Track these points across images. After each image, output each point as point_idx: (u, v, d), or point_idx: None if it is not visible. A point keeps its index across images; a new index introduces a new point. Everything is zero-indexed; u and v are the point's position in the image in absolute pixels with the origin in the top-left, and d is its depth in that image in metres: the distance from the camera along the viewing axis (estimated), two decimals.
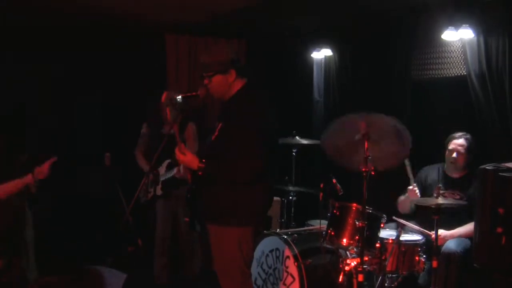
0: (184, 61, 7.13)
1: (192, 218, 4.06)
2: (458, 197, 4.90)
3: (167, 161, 5.56)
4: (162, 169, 5.62)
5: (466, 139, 4.99)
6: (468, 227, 4.74)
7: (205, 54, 4.02)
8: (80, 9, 5.87)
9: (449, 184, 4.99)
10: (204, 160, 3.78)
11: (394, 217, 4.85)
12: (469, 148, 4.97)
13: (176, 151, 3.86)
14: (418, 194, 4.95)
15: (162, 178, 5.60)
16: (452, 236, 4.79)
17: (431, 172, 5.17)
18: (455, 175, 5.06)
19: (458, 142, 5.00)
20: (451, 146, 5.02)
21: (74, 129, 6.81)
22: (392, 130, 4.06)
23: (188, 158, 3.83)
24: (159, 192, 5.65)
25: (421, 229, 4.83)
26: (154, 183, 5.63)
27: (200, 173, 3.78)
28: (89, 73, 6.75)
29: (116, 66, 6.81)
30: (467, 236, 4.75)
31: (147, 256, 5.92)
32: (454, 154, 4.99)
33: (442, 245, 4.69)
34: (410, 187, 4.96)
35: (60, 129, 6.68)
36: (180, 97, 3.87)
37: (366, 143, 4.04)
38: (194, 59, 7.10)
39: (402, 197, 5.18)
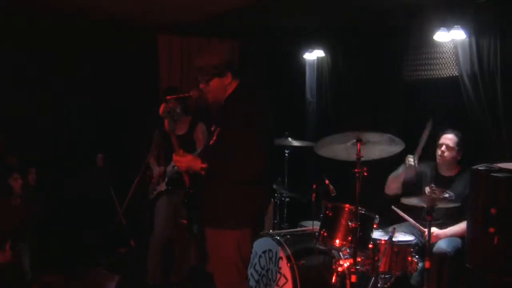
0: (177, 61, 7.12)
1: (190, 221, 4.05)
2: (447, 195, 4.91)
3: None
4: (169, 167, 5.63)
5: (456, 134, 5.01)
6: (461, 226, 4.75)
7: (199, 57, 3.99)
8: (73, 9, 5.86)
9: (440, 182, 5.00)
10: (206, 163, 3.76)
11: (393, 207, 4.87)
12: (458, 144, 4.98)
13: (174, 157, 3.86)
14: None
15: (169, 174, 5.60)
16: (445, 235, 4.81)
17: (424, 169, 5.19)
18: (446, 173, 5.08)
19: (447, 136, 5.03)
20: (441, 141, 5.06)
21: (66, 130, 6.80)
22: (385, 139, 4.19)
23: (188, 158, 3.82)
24: (163, 187, 5.65)
25: (416, 223, 4.85)
26: (161, 180, 5.65)
27: (203, 172, 3.76)
28: (82, 73, 6.73)
29: (110, 66, 6.81)
30: (460, 234, 4.75)
31: (140, 257, 5.91)
32: (443, 148, 5.02)
33: (435, 244, 4.71)
34: (411, 162, 4.97)
35: (52, 129, 6.67)
36: (179, 109, 3.89)
37: (358, 145, 4.08)
38: (187, 60, 7.10)
39: (394, 175, 5.18)
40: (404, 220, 4.98)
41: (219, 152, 3.79)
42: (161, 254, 5.75)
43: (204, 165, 3.73)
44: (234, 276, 3.83)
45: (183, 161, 3.83)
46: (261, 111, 3.83)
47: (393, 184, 5.18)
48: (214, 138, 3.88)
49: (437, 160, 5.10)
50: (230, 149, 3.69)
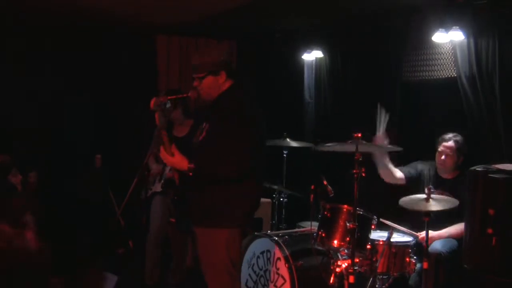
0: (175, 61, 7.13)
1: (179, 219, 4.04)
2: (446, 197, 4.89)
3: None
4: (167, 168, 5.63)
5: (455, 141, 4.94)
6: (457, 227, 4.74)
7: (195, 55, 4.01)
8: (72, 9, 5.86)
9: (439, 184, 4.99)
10: (193, 161, 3.75)
11: (382, 219, 4.85)
12: (458, 150, 4.93)
13: (162, 152, 3.83)
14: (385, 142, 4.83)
15: (165, 176, 5.61)
16: (440, 237, 4.80)
17: (425, 169, 5.17)
18: (446, 175, 5.06)
19: (447, 144, 4.96)
20: (440, 148, 5.00)
21: (64, 130, 6.79)
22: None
23: (177, 158, 3.79)
24: (158, 188, 5.65)
25: (409, 230, 4.84)
26: (157, 179, 5.64)
27: (190, 173, 3.76)
28: (80, 74, 6.73)
29: (108, 66, 6.81)
30: (456, 235, 4.75)
31: (138, 257, 5.90)
32: (443, 157, 4.97)
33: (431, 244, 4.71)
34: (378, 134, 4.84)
35: (50, 130, 6.67)
36: (168, 104, 3.86)
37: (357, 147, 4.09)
38: (185, 60, 7.10)
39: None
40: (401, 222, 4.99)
41: (206, 149, 3.79)
42: (157, 255, 5.74)
43: (191, 165, 3.72)
44: (224, 276, 3.82)
45: (170, 159, 3.81)
46: (251, 111, 3.83)
47: (384, 173, 5.11)
48: (204, 134, 3.88)
49: (438, 166, 5.09)
50: (217, 146, 3.69)
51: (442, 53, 5.53)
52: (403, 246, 4.49)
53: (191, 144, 4.19)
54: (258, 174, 3.86)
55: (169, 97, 4.01)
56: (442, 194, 4.92)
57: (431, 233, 4.74)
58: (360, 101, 6.19)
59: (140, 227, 6.00)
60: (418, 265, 4.53)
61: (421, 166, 5.17)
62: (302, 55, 6.84)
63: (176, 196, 3.98)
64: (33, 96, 6.49)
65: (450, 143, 4.96)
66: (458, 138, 4.96)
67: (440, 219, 4.88)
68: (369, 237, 4.39)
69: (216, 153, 3.69)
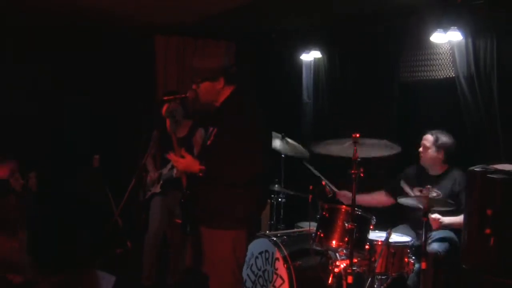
0: (172, 62, 7.12)
1: (185, 221, 4.06)
2: (434, 194, 4.90)
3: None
4: (165, 170, 5.63)
5: (432, 134, 5.01)
6: (460, 217, 4.70)
7: (197, 58, 4.03)
8: (71, 9, 5.85)
9: (427, 181, 4.98)
10: (203, 163, 3.78)
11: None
12: (436, 143, 4.97)
13: (172, 158, 3.87)
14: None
15: (164, 177, 5.61)
16: (448, 221, 4.77)
17: (408, 172, 5.21)
18: (433, 172, 5.08)
19: (425, 137, 5.05)
20: (421, 142, 5.08)
21: (62, 130, 6.79)
22: (382, 144, 4.21)
23: (188, 161, 3.83)
24: (157, 189, 5.66)
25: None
26: (156, 182, 5.64)
27: (201, 174, 3.77)
28: (77, 74, 6.73)
29: (107, 67, 6.80)
30: (458, 225, 4.70)
31: (136, 258, 5.90)
32: (420, 148, 5.06)
33: (430, 245, 4.71)
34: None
35: (48, 130, 6.66)
36: (180, 111, 3.92)
37: (355, 149, 4.08)
38: (183, 60, 7.09)
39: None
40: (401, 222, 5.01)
41: (215, 153, 3.81)
42: (155, 255, 5.75)
43: (202, 167, 3.76)
44: (228, 276, 3.84)
45: (182, 162, 3.85)
46: (256, 118, 3.85)
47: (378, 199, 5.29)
48: (212, 138, 3.90)
49: (420, 161, 5.13)
50: (226, 152, 3.71)
51: (440, 53, 5.53)
52: (401, 246, 4.50)
53: (190, 145, 4.22)
54: (264, 176, 3.88)
55: (166, 98, 4.05)
56: (430, 190, 4.91)
57: (437, 216, 4.74)
58: (358, 101, 6.19)
59: (138, 228, 6.00)
60: (417, 265, 4.54)
61: (405, 171, 5.21)
62: (300, 55, 6.84)
63: (183, 198, 4.00)
64: (32, 96, 6.48)
65: (428, 136, 5.04)
66: (441, 134, 5.00)
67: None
68: (367, 237, 4.40)
69: (226, 157, 3.72)
